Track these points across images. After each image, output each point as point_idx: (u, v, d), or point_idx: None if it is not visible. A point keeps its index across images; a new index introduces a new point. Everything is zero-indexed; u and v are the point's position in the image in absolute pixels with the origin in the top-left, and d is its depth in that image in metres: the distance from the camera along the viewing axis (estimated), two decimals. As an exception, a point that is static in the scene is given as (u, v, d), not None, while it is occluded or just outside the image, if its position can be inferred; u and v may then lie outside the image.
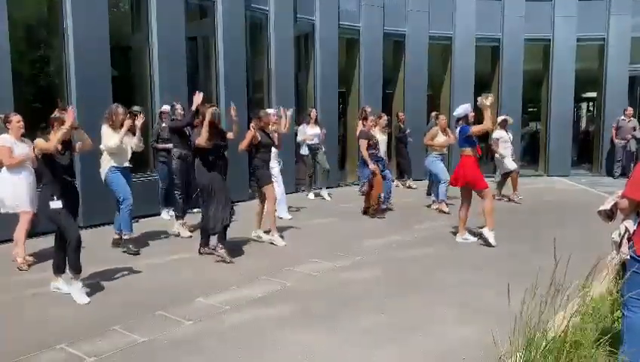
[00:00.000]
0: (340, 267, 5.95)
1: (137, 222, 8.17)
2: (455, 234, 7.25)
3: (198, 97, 6.39)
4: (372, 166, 8.55)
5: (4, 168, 5.83)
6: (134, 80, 9.28)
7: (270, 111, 7.88)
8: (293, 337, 4.09)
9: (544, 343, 3.12)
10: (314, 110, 10.62)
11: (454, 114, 7.26)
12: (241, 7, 10.02)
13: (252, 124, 6.93)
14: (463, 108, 7.07)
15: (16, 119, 5.88)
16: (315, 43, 11.78)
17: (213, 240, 6.28)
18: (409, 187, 12.08)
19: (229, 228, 6.28)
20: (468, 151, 6.86)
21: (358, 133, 8.96)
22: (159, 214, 8.65)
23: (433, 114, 10.35)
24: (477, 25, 13.55)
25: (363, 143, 8.56)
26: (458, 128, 7.04)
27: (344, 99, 13.01)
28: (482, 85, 14.29)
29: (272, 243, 6.88)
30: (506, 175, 10.22)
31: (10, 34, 6.97)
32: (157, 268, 5.81)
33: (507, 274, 4.64)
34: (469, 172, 6.79)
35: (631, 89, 14.02)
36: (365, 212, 8.78)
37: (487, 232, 6.81)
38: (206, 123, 6.04)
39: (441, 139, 9.06)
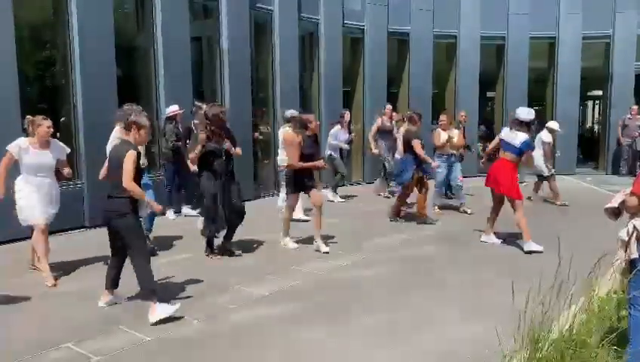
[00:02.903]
0: (345, 266, 5.96)
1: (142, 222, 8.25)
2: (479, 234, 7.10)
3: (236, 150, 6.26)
4: (435, 164, 8.44)
5: (21, 176, 5.33)
6: (139, 80, 9.30)
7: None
8: (297, 336, 4.10)
9: (549, 342, 3.12)
10: (348, 112, 10.48)
11: (524, 117, 6.60)
12: (245, 6, 10.03)
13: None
14: (533, 114, 6.67)
15: (47, 124, 5.33)
16: (320, 42, 11.78)
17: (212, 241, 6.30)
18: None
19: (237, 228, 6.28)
20: (510, 156, 6.53)
21: (404, 133, 8.48)
22: (164, 214, 8.61)
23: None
24: (482, 23, 13.50)
25: (417, 143, 8.02)
26: (510, 131, 6.64)
27: (348, 99, 13.00)
28: (487, 84, 14.27)
29: (317, 251, 6.54)
30: (543, 178, 9.82)
31: (16, 34, 7.00)
32: (163, 268, 5.81)
33: (512, 273, 4.62)
34: (505, 178, 6.46)
35: (637, 87, 13.92)
36: (397, 214, 8.41)
37: (528, 245, 6.38)
38: (192, 156, 6.15)
39: (444, 138, 8.97)
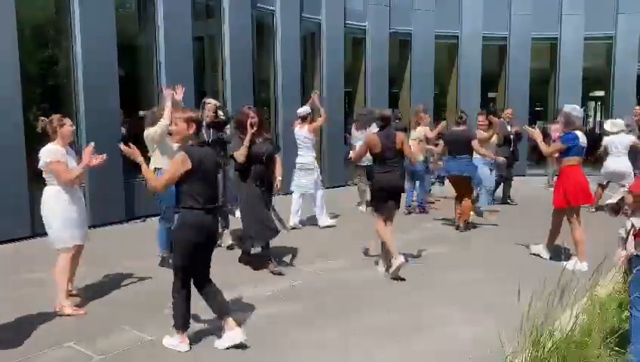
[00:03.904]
0: (347, 266, 5.96)
1: (144, 221, 8.26)
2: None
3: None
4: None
5: (51, 188, 4.55)
6: (141, 79, 9.32)
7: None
8: (299, 336, 4.11)
9: (551, 343, 3.12)
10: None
11: (576, 113, 6.01)
12: (247, 6, 10.04)
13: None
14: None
15: (70, 123, 4.69)
16: (321, 42, 11.79)
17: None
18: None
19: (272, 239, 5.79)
20: (579, 160, 5.88)
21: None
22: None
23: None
24: (483, 23, 13.50)
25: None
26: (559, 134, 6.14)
27: (350, 99, 13.00)
28: (489, 84, 14.26)
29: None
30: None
31: (19, 35, 7.02)
32: (166, 268, 5.82)
33: (515, 273, 4.63)
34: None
35: (639, 88, 13.92)
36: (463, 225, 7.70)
37: (539, 249, 6.18)
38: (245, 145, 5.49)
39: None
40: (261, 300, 4.86)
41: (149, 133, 5.57)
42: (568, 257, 5.55)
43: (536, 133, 6.26)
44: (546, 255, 6.13)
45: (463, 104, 13.43)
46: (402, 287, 5.26)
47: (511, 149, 9.73)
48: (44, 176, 4.56)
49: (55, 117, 4.61)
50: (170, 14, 8.73)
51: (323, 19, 11.70)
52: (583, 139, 5.82)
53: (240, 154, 5.50)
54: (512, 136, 9.76)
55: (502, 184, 9.79)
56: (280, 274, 5.59)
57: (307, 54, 11.96)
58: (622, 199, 3.36)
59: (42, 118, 4.66)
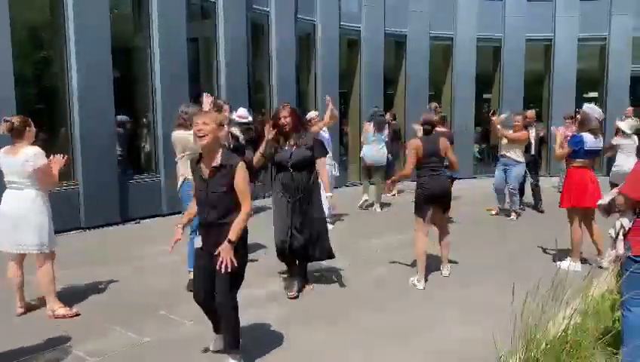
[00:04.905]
0: (343, 267, 5.96)
1: (139, 223, 8.23)
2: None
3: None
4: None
5: (32, 192, 4.39)
6: (135, 81, 9.29)
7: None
8: (294, 337, 4.10)
9: (544, 343, 3.13)
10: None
11: (593, 113, 5.83)
12: (242, 8, 10.03)
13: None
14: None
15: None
16: (316, 44, 11.80)
17: None
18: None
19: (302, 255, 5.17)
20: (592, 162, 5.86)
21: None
22: (161, 215, 8.59)
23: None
24: (478, 25, 13.54)
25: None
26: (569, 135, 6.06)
27: (345, 100, 13.01)
28: (484, 85, 14.30)
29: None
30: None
31: (12, 34, 6.99)
32: (160, 269, 5.81)
33: (510, 274, 4.64)
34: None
35: (633, 89, 14.00)
36: None
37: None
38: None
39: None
40: (255, 301, 4.84)
41: (184, 136, 4.91)
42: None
43: (558, 135, 6.29)
44: (577, 267, 5.60)
45: (458, 105, 13.48)
46: (398, 288, 5.26)
47: (532, 153, 9.20)
48: (20, 179, 4.33)
49: (22, 117, 4.45)
50: (164, 15, 8.71)
51: (318, 20, 11.71)
52: (590, 142, 5.72)
53: (255, 159, 5.10)
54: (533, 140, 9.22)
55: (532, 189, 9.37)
56: (293, 297, 5.01)
57: (302, 55, 11.96)
58: (613, 199, 3.40)
59: (5, 118, 4.43)
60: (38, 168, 4.33)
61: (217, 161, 3.43)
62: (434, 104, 9.46)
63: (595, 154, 5.96)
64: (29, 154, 4.31)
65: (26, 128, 4.39)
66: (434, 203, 5.36)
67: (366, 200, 9.59)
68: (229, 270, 3.34)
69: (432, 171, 5.34)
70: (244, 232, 3.50)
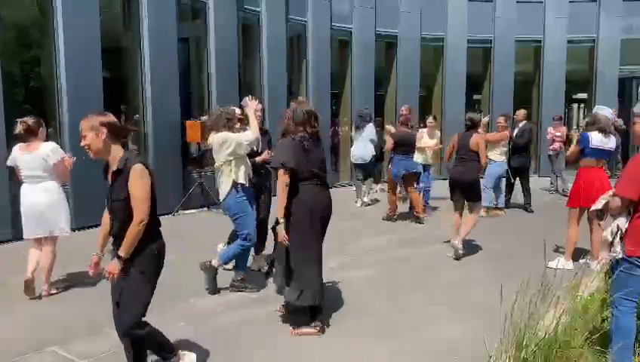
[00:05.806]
0: (333, 268, 5.95)
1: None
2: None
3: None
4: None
5: (53, 183, 4.99)
6: (125, 81, 9.24)
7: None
8: (287, 337, 4.10)
9: (534, 343, 3.15)
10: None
11: (601, 112, 5.89)
12: (233, 8, 10.01)
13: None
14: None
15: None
16: (307, 44, 11.79)
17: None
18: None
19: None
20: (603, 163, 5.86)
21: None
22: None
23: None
24: (469, 26, 13.60)
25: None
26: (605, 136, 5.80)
27: (336, 100, 13.02)
28: (474, 86, 14.37)
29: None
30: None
31: (0, 34, 6.92)
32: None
33: (500, 274, 4.66)
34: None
35: (621, 90, 14.12)
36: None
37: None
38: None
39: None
40: (248, 302, 4.84)
41: (233, 138, 4.89)
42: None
43: (574, 136, 6.45)
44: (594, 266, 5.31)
45: (449, 106, 13.53)
46: (389, 288, 5.27)
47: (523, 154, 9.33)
48: (41, 173, 4.84)
49: (36, 118, 4.93)
50: (154, 15, 8.67)
51: (309, 20, 11.71)
52: (596, 141, 5.67)
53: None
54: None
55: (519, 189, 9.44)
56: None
57: (293, 56, 11.95)
58: (606, 204, 3.39)
59: (21, 119, 4.85)
60: (59, 161, 4.89)
61: (116, 164, 3.09)
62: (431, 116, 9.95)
63: (603, 154, 5.81)
64: (49, 150, 4.85)
65: (40, 128, 4.91)
66: (457, 188, 6.48)
67: (363, 202, 9.89)
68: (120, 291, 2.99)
69: (458, 161, 6.57)
70: (149, 249, 3.11)
